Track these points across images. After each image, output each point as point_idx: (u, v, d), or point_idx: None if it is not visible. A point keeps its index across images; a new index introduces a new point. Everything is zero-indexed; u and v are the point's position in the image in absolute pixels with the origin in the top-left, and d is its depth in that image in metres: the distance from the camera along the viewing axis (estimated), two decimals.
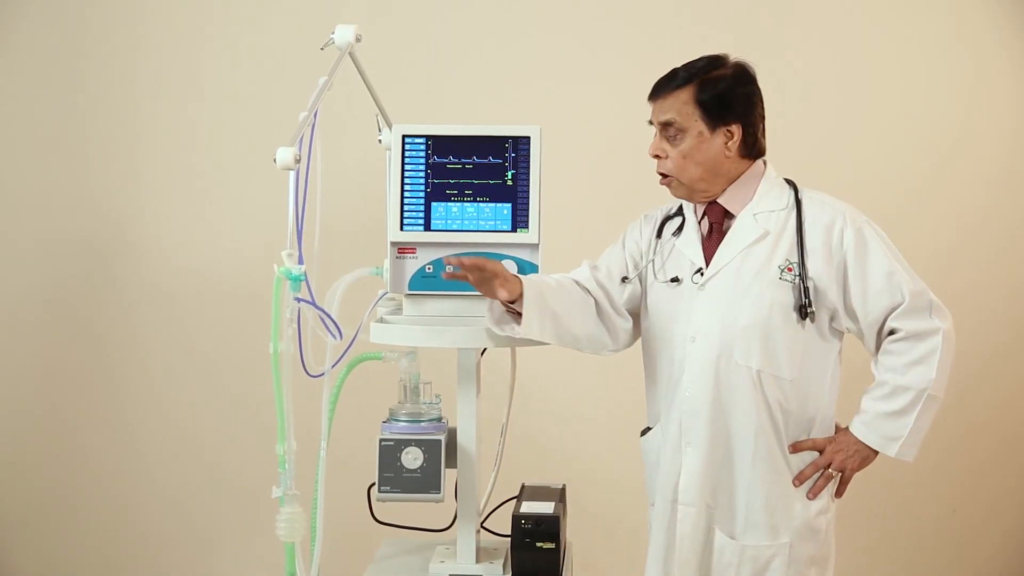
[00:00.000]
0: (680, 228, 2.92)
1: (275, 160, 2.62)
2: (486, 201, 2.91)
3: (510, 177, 2.91)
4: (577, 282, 2.95)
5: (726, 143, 2.80)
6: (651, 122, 2.86)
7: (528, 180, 2.90)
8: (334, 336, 2.81)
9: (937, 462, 4.28)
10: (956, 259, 4.37)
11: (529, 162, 2.91)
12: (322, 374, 2.82)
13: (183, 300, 4.42)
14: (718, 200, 2.84)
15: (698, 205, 2.89)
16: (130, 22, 4.39)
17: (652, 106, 2.85)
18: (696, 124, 2.79)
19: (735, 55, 2.86)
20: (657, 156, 2.83)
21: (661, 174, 2.85)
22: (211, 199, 4.41)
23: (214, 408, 4.43)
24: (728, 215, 2.85)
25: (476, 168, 2.91)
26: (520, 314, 2.75)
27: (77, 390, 4.44)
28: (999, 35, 4.40)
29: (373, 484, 2.88)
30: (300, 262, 2.70)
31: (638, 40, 4.35)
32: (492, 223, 2.91)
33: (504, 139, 2.92)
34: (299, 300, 2.69)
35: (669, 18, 4.35)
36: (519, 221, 2.91)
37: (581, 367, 4.08)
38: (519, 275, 2.79)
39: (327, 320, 2.79)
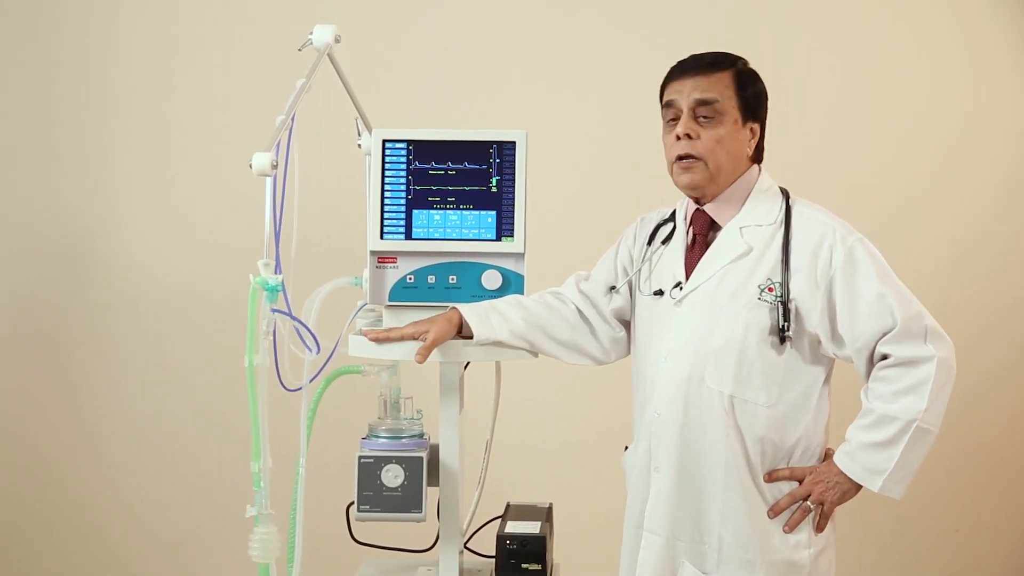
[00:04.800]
0: (670, 236, 2.88)
1: (251, 166, 2.62)
2: (470, 209, 2.91)
3: (495, 184, 2.91)
4: (557, 293, 2.97)
5: (748, 140, 2.78)
6: (667, 103, 2.79)
7: (513, 187, 2.90)
8: (311, 349, 2.81)
9: (939, 480, 4.30)
10: (956, 268, 4.39)
11: (514, 168, 2.91)
12: (299, 388, 2.82)
13: (155, 311, 4.42)
14: (704, 209, 2.80)
15: (687, 213, 2.86)
16: (100, 21, 4.40)
17: (677, 84, 2.77)
18: (733, 111, 2.74)
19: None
20: (688, 136, 2.72)
21: (684, 156, 2.73)
22: (184, 206, 4.41)
23: (187, 424, 4.43)
24: (714, 226, 2.80)
25: (459, 174, 2.91)
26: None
27: (44, 404, 4.44)
28: (1001, 37, 4.43)
29: (352, 503, 2.88)
30: (277, 272, 2.70)
31: (627, 43, 4.37)
32: (476, 231, 2.91)
33: (489, 144, 2.92)
34: (275, 311, 2.69)
35: (658, 20, 4.38)
36: (504, 229, 2.91)
37: (568, 382, 4.09)
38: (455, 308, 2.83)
39: (304, 332, 2.79)
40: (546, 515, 3.08)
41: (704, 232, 2.80)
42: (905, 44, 4.43)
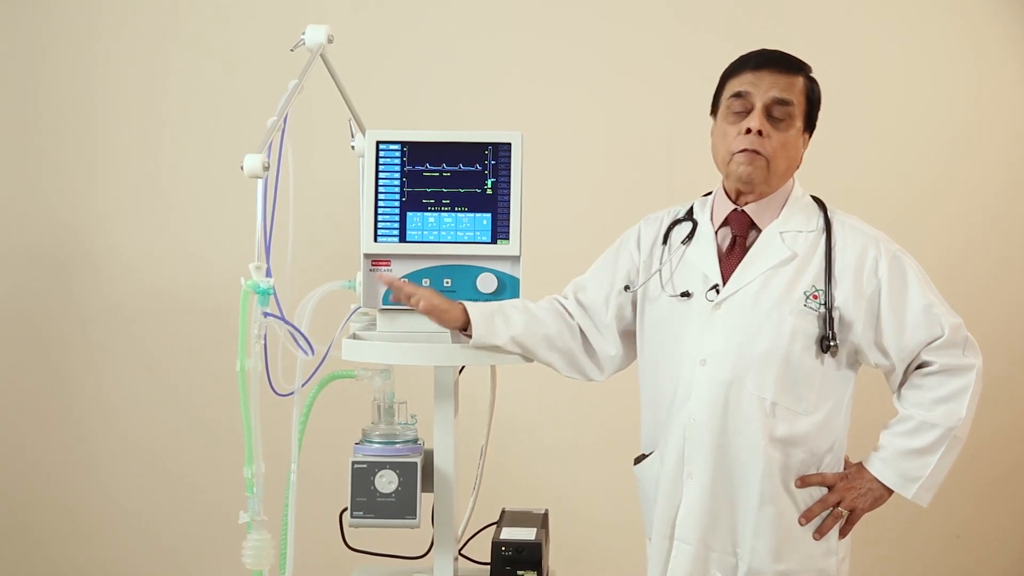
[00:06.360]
0: (690, 235, 2.85)
1: (242, 168, 2.63)
2: (465, 211, 2.91)
3: (490, 186, 2.91)
4: (562, 304, 2.94)
5: (801, 149, 2.79)
6: (738, 94, 2.73)
7: (509, 189, 2.90)
8: (304, 353, 2.80)
9: (941, 486, 4.30)
10: (958, 271, 4.39)
11: (510, 170, 2.91)
12: (292, 393, 2.82)
13: (145, 315, 4.42)
14: (746, 210, 2.78)
15: (716, 212, 2.83)
16: (90, 21, 4.39)
17: (752, 76, 2.73)
18: (800, 117, 2.74)
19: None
20: (759, 132, 2.69)
21: (749, 150, 2.70)
22: (175, 209, 4.41)
23: (178, 429, 4.43)
24: (753, 228, 2.79)
25: (454, 176, 2.91)
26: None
27: (33, 410, 4.43)
28: (1004, 38, 4.43)
29: (345, 509, 2.88)
30: (268, 275, 2.71)
31: (625, 42, 4.37)
32: (471, 234, 2.91)
33: (484, 146, 2.91)
34: (267, 315, 2.69)
35: (656, 20, 4.38)
36: (499, 232, 2.91)
37: (563, 386, 4.08)
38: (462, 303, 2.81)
39: (297, 336, 2.79)
40: (542, 521, 3.07)
41: (744, 234, 2.79)
42: (907, 44, 4.43)
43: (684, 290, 2.79)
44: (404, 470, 2.84)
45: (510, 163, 2.91)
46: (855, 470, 2.76)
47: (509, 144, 2.91)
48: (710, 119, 2.86)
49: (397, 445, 2.90)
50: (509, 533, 2.97)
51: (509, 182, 2.91)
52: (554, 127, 4.29)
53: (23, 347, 4.43)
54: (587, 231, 3.96)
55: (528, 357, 2.87)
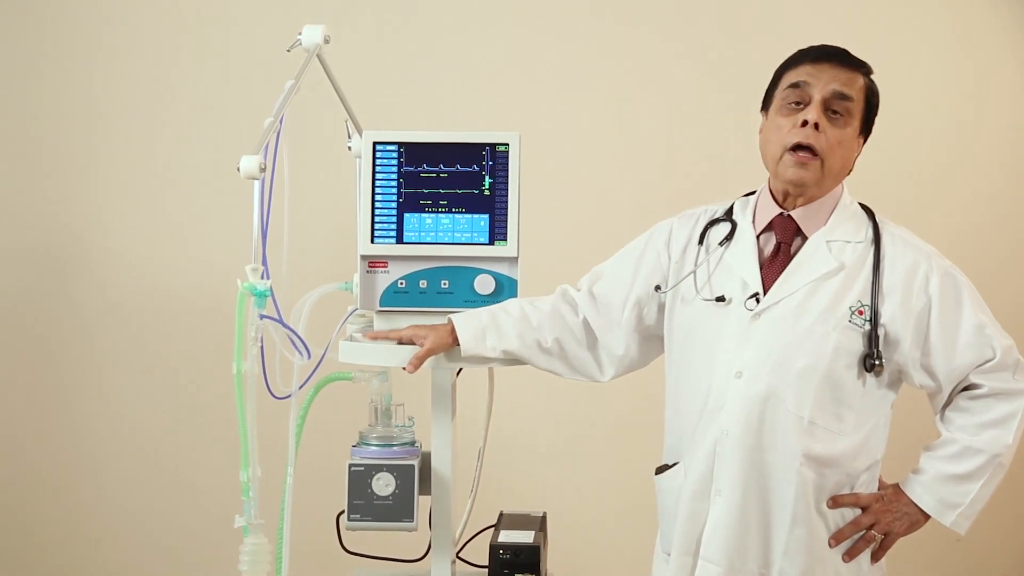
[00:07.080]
0: (729, 237, 2.74)
1: (239, 169, 2.63)
2: (462, 212, 2.91)
3: (488, 187, 2.91)
4: (572, 301, 2.87)
5: (855, 153, 2.68)
6: (795, 84, 2.63)
7: (507, 190, 2.90)
8: (301, 355, 2.80)
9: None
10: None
11: (508, 171, 2.90)
12: (288, 396, 2.82)
13: (142, 316, 4.42)
14: (792, 215, 2.68)
15: (759, 215, 2.72)
16: (88, 22, 4.40)
17: (812, 68, 2.63)
18: (858, 118, 2.64)
19: None
20: (816, 126, 2.58)
21: (804, 147, 2.59)
22: (172, 210, 4.41)
23: (174, 431, 4.42)
24: (798, 235, 2.68)
25: (451, 177, 2.91)
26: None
27: (30, 411, 4.44)
28: (1004, 38, 4.44)
29: (342, 512, 2.88)
30: (265, 277, 2.70)
31: (624, 41, 4.37)
32: (468, 235, 2.90)
33: (481, 146, 2.91)
34: (264, 317, 2.69)
35: (656, 19, 4.38)
36: (497, 233, 2.90)
37: (561, 388, 4.08)
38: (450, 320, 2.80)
39: (294, 338, 2.79)
40: (540, 524, 3.07)
41: (789, 241, 2.68)
42: (907, 44, 4.43)
43: (720, 295, 2.68)
44: (401, 473, 2.84)
45: (508, 164, 2.90)
46: (892, 492, 2.67)
47: (507, 145, 2.91)
48: (759, 116, 2.76)
49: (394, 447, 2.90)
50: (507, 536, 2.97)
51: (507, 183, 2.90)
52: (552, 128, 4.29)
53: (21, 347, 4.43)
54: (586, 232, 3.97)
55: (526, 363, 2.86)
